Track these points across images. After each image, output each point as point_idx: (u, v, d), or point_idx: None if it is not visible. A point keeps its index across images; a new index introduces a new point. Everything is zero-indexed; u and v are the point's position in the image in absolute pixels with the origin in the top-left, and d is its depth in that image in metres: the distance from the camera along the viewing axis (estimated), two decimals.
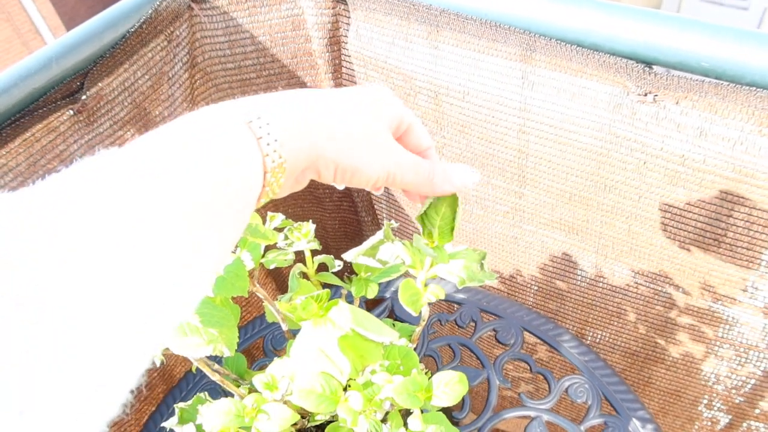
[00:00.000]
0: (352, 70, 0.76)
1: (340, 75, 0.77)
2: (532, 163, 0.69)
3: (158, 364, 0.40)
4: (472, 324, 0.76)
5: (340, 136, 0.33)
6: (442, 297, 0.39)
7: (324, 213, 0.96)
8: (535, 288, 0.82)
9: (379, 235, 0.40)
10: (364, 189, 0.88)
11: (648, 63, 0.58)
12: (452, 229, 0.39)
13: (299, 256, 0.47)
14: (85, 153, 0.69)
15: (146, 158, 0.26)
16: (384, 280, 0.43)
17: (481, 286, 0.89)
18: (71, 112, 0.68)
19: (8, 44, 4.45)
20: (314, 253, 0.47)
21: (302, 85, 0.80)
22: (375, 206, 0.90)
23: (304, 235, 0.42)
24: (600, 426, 0.66)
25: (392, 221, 0.36)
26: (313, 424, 0.50)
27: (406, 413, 0.50)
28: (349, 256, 0.40)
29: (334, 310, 0.36)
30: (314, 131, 0.32)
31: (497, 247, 0.80)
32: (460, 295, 0.79)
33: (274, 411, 0.38)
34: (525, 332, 0.75)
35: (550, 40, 0.61)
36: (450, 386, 0.39)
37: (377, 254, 0.40)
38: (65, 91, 0.67)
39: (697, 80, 0.56)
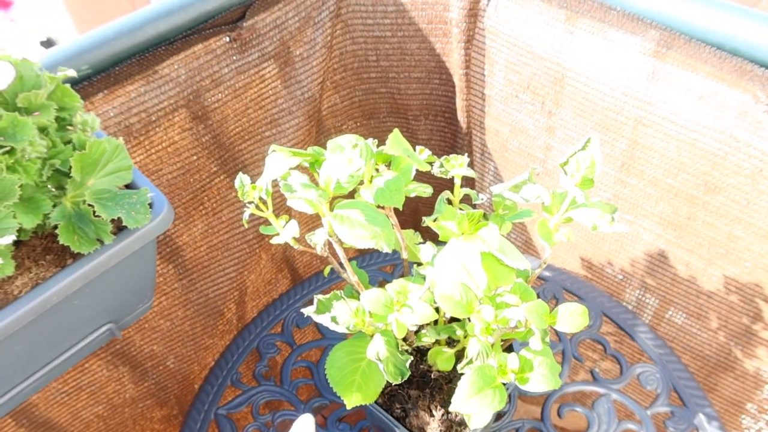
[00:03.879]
0: (484, 43, 0.80)
1: (470, 46, 0.81)
2: (644, 155, 0.72)
3: (318, 252, 0.46)
4: (554, 300, 0.80)
5: None
6: (572, 239, 0.44)
7: (421, 176, 1.01)
8: (620, 278, 0.85)
9: (524, 175, 0.45)
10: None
11: None
12: (593, 177, 0.43)
13: (435, 195, 0.52)
14: (233, 77, 0.76)
15: None
16: (517, 220, 0.47)
17: (565, 268, 0.92)
18: (228, 38, 0.75)
19: None
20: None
21: (432, 51, 0.85)
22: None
23: (460, 164, 0.47)
24: (666, 414, 0.69)
25: (537, 167, 0.39)
26: (418, 344, 0.55)
27: (508, 348, 0.55)
28: (497, 188, 0.44)
29: (484, 230, 0.41)
30: None
31: (590, 232, 0.83)
32: (546, 273, 0.83)
33: (418, 306, 0.43)
34: (603, 317, 0.78)
35: (690, 39, 0.64)
36: (573, 316, 0.43)
37: (520, 192, 0.44)
38: (228, 19, 0.74)
39: None
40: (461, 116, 0.87)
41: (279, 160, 0.46)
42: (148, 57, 0.69)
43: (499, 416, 0.68)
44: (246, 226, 0.54)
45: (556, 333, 0.76)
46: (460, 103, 0.86)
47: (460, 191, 0.48)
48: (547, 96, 0.77)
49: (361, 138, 0.48)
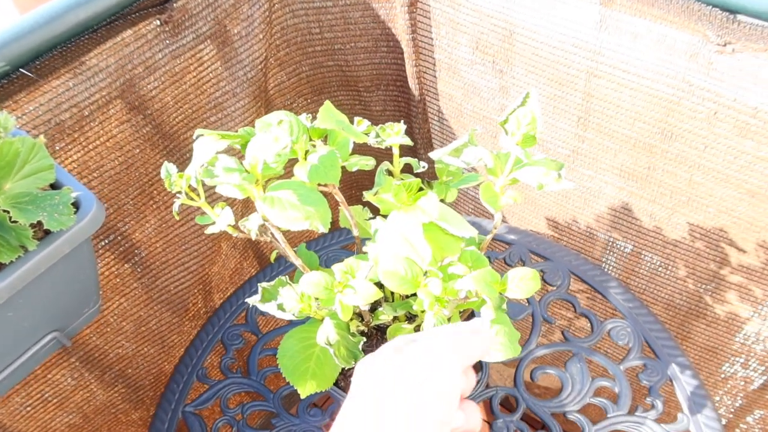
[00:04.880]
0: (428, 5, 0.77)
1: (415, 9, 0.78)
2: (599, 107, 0.70)
3: (253, 237, 0.44)
4: (521, 263, 0.78)
5: None
6: (519, 201, 0.42)
7: (381, 149, 0.99)
8: (585, 234, 0.84)
9: (464, 138, 0.42)
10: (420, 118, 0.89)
11: (733, 11, 0.58)
12: (534, 134, 0.41)
13: (378, 163, 0.50)
14: (168, 62, 0.72)
15: None
16: (463, 186, 0.45)
17: (531, 230, 0.91)
18: (158, 22, 0.71)
19: None
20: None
21: (376, 17, 0.81)
22: (430, 128, 0.92)
23: (396, 132, 0.44)
24: (639, 367, 0.69)
25: (477, 128, 0.37)
26: (376, 323, 0.53)
27: (468, 317, 0.53)
28: (436, 154, 0.42)
29: (423, 199, 0.39)
30: None
31: (554, 191, 0.82)
32: (511, 236, 0.81)
33: (361, 286, 0.41)
34: (572, 276, 0.77)
35: None
36: (524, 281, 0.42)
37: (461, 156, 0.42)
38: (155, 1, 0.70)
39: None
40: (413, 83, 0.84)
41: (206, 145, 0.43)
42: (72, 48, 0.65)
43: None
44: (177, 218, 0.51)
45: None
46: (410, 70, 0.83)
47: (399, 161, 0.46)
48: (497, 55, 0.75)
49: (291, 114, 0.45)
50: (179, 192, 0.44)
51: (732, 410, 0.89)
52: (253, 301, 0.46)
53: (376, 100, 0.90)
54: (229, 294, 0.95)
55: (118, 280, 0.80)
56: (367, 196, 0.43)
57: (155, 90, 0.73)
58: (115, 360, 0.85)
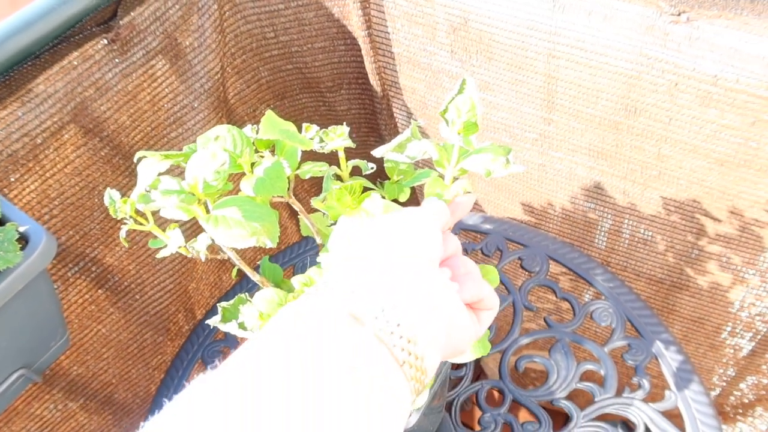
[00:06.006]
0: None
1: (368, 5, 0.77)
2: (561, 89, 0.69)
3: (203, 259, 0.42)
4: (498, 253, 0.78)
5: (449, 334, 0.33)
6: (470, 190, 0.41)
7: (349, 148, 0.97)
8: (562, 217, 0.83)
9: (406, 132, 0.41)
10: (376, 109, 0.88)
11: None
12: (476, 121, 0.40)
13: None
14: (119, 82, 0.71)
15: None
16: (416, 183, 0.44)
17: (507, 217, 0.90)
18: (106, 40, 0.69)
19: None
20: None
21: (330, 16, 0.80)
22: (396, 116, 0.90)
23: (339, 135, 0.43)
24: (623, 348, 0.68)
25: (418, 120, 0.36)
26: None
27: None
28: (379, 152, 0.41)
29: (367, 201, 0.38)
30: (435, 330, 0.31)
31: (525, 175, 0.81)
32: (486, 225, 0.80)
33: None
34: (550, 261, 0.76)
35: None
36: (485, 277, 0.40)
37: (405, 151, 0.41)
38: (99, 19, 0.68)
39: None
40: (374, 80, 0.83)
41: (148, 167, 0.42)
42: (17, 76, 0.63)
43: (455, 383, 0.65)
44: (126, 244, 0.50)
45: (504, 285, 0.74)
46: (370, 67, 0.81)
47: (346, 164, 0.45)
48: (455, 44, 0.74)
49: (233, 127, 0.44)
50: (125, 218, 0.43)
51: (725, 378, 0.88)
52: (213, 322, 0.44)
53: (340, 100, 0.89)
54: (210, 308, 0.94)
55: (93, 306, 0.78)
56: (314, 203, 0.42)
57: (109, 111, 0.71)
58: (99, 387, 0.84)
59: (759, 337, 0.78)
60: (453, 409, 0.65)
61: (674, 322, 0.85)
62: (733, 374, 0.87)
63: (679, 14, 0.60)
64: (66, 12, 0.65)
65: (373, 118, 0.89)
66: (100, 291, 0.78)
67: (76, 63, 0.67)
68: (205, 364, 0.72)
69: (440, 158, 0.40)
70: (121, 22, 0.69)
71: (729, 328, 0.80)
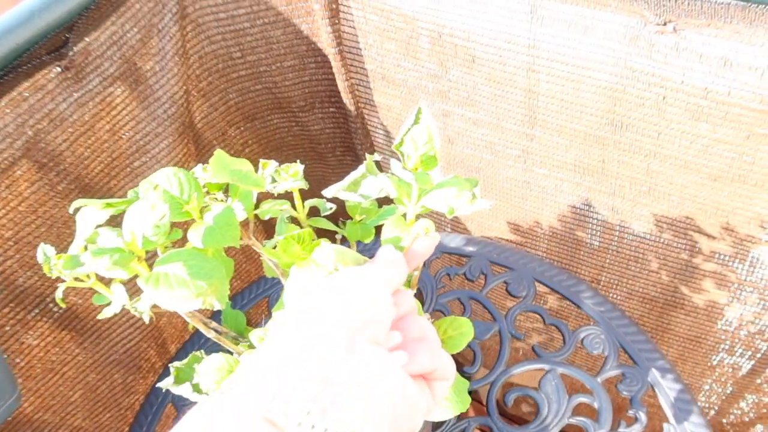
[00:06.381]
0: (351, 14, 0.72)
1: (338, 21, 0.73)
2: (543, 103, 0.65)
3: (147, 321, 0.38)
4: (483, 277, 0.74)
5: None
6: (432, 230, 0.37)
7: (327, 169, 0.93)
8: (549, 235, 0.79)
9: (361, 169, 0.37)
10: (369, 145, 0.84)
11: None
12: (435, 154, 0.36)
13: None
14: (75, 111, 0.67)
15: None
16: (381, 222, 0.40)
17: (491, 237, 0.86)
18: (59, 69, 0.65)
19: None
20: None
21: (299, 33, 0.76)
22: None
23: (292, 174, 0.39)
24: (618, 377, 0.64)
25: (375, 154, 0.32)
26: None
27: None
28: (330, 191, 0.37)
29: (316, 251, 0.34)
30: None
31: (509, 193, 0.77)
32: (470, 248, 0.76)
33: None
34: (537, 283, 0.72)
35: None
36: (455, 331, 0.37)
37: (359, 189, 0.37)
38: (50, 47, 0.64)
39: (722, 3, 0.51)
40: (347, 98, 0.79)
41: (88, 217, 0.38)
42: None
43: (437, 425, 0.62)
44: (63, 305, 0.46)
45: (490, 312, 0.70)
46: (342, 85, 0.77)
47: (303, 205, 0.41)
48: (430, 59, 0.70)
49: (179, 170, 0.40)
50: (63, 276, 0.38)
51: (723, 397, 0.85)
52: (165, 384, 0.40)
53: (313, 120, 0.85)
54: (184, 341, 0.89)
55: (57, 348, 0.74)
56: (264, 250, 0.38)
57: (65, 143, 0.67)
58: None
59: (759, 355, 0.75)
60: None
61: (670, 341, 0.81)
62: (733, 393, 0.84)
63: (664, 24, 0.56)
64: (13, 40, 0.60)
65: (348, 137, 0.85)
66: (63, 332, 0.74)
67: (26, 94, 0.63)
68: (176, 407, 0.68)
69: (399, 196, 0.36)
70: (75, 49, 0.65)
71: (727, 347, 0.77)
